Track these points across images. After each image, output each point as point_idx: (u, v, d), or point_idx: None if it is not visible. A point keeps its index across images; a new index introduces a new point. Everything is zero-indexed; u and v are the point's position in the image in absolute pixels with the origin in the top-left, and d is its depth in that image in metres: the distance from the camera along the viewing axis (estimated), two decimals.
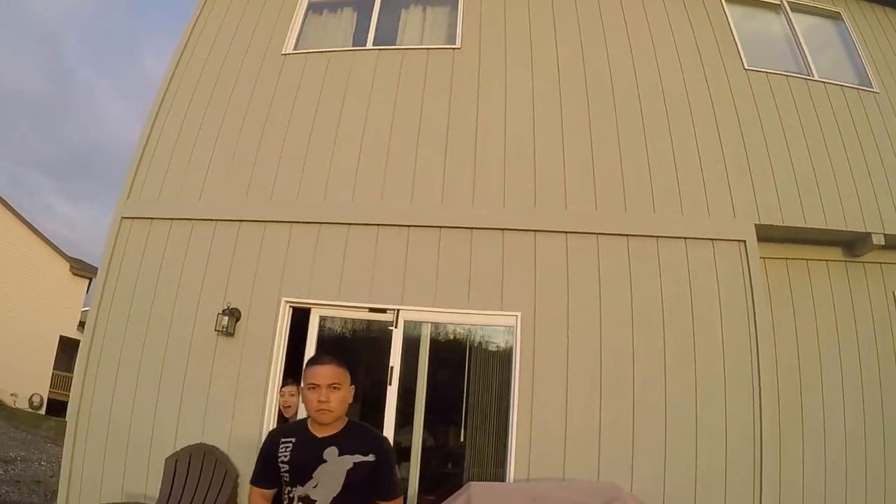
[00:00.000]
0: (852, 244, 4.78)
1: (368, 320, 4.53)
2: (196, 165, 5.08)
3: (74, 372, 4.84)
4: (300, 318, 4.57)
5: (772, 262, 4.76)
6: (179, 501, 4.05)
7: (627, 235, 4.46)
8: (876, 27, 5.62)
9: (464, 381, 4.38)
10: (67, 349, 20.41)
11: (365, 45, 5.39)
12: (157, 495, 4.12)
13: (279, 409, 4.28)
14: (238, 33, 5.65)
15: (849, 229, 4.63)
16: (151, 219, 4.99)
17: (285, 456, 2.37)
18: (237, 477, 4.13)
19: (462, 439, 4.37)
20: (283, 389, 4.27)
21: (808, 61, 5.33)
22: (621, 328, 4.23)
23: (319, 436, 2.40)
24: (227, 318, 4.34)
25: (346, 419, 2.48)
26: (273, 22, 5.61)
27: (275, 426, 4.19)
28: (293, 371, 4.40)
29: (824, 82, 5.18)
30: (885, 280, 4.82)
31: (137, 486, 4.31)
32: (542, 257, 4.40)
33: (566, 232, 4.46)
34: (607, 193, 4.60)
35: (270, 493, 2.44)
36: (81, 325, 21.21)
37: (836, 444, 4.40)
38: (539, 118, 4.86)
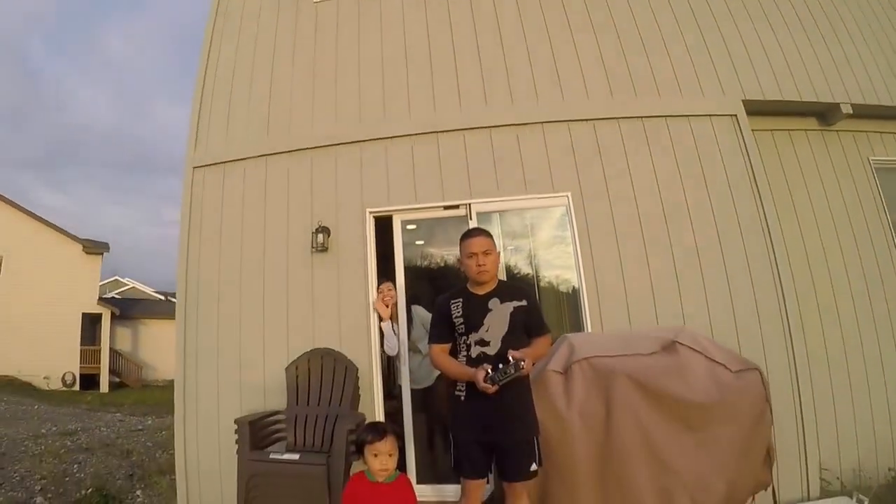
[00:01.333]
0: (825, 115, 5.13)
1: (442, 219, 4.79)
2: (256, 108, 5.27)
3: (175, 319, 4.90)
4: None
5: (760, 135, 5.05)
6: (308, 403, 4.20)
7: (642, 118, 4.76)
8: None
9: (531, 262, 4.71)
10: (90, 324, 20.40)
11: None
12: (285, 404, 4.22)
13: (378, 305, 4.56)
14: None
15: (819, 101, 4.99)
16: (224, 163, 5.15)
17: (458, 311, 2.82)
18: (357, 371, 4.26)
19: None
20: (381, 287, 4.58)
21: None
22: (652, 197, 4.55)
23: (480, 293, 2.84)
24: (321, 234, 4.62)
25: (497, 279, 2.88)
26: None
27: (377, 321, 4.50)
28: (383, 272, 4.73)
29: None
30: (859, 148, 5.19)
31: (256, 404, 4.47)
32: (577, 143, 4.72)
33: (593, 119, 4.77)
34: (619, 83, 4.90)
35: (448, 346, 2.86)
36: (101, 299, 21.20)
37: (846, 301, 4.72)
38: (550, 23, 5.14)
